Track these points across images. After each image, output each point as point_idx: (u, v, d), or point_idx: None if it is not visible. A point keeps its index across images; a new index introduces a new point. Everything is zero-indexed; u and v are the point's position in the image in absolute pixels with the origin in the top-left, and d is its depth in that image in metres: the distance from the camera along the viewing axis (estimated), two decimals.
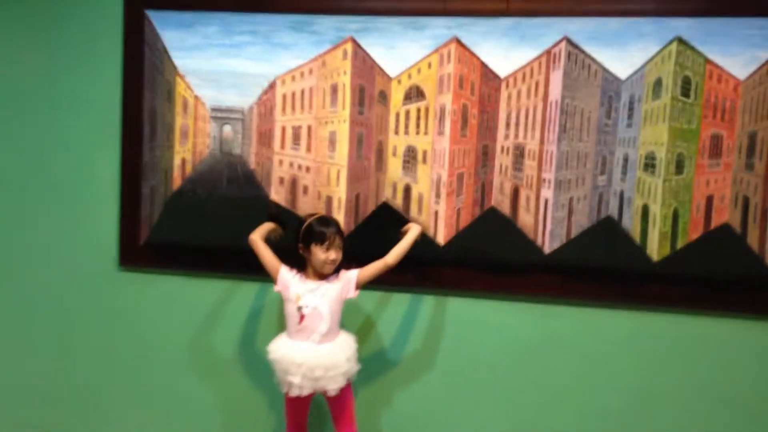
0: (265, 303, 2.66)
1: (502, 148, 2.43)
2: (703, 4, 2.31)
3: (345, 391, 2.35)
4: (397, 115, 2.48)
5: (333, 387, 2.26)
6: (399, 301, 2.59)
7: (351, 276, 2.33)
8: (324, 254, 2.28)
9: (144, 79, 2.62)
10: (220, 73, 2.52)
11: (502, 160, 2.44)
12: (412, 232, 2.39)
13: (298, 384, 2.24)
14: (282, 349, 2.30)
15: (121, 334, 2.79)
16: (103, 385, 2.80)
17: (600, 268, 2.42)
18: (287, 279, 2.33)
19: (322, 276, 2.32)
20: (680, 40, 2.31)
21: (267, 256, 2.36)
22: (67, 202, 2.76)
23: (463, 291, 2.55)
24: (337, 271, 2.33)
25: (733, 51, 2.26)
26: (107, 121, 2.69)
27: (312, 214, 2.37)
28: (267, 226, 2.42)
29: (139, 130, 2.65)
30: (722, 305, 2.40)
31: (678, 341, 2.47)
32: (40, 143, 2.75)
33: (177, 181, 2.58)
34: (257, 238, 2.37)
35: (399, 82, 2.46)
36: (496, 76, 2.41)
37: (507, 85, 2.40)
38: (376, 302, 2.59)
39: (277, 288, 2.35)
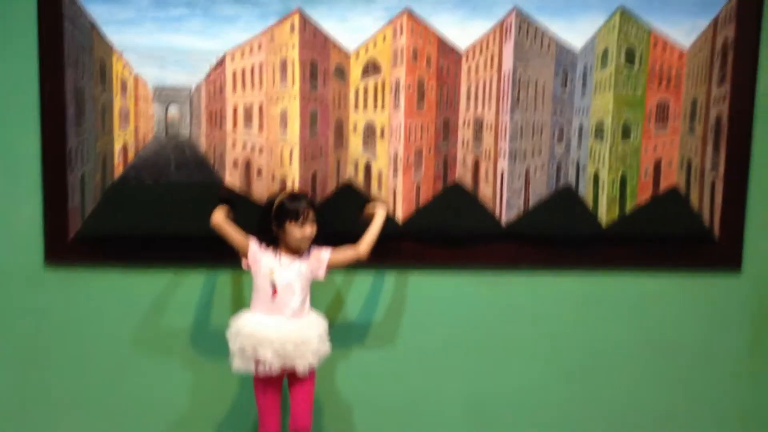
0: (214, 291, 2.53)
1: (464, 121, 2.44)
2: None
3: (308, 380, 2.32)
4: (357, 90, 2.42)
5: (302, 364, 2.22)
6: (359, 280, 2.56)
7: (323, 257, 2.29)
8: (299, 230, 2.23)
9: (64, 57, 2.37)
10: (161, 49, 2.33)
11: (464, 134, 2.45)
12: (379, 216, 2.37)
13: (269, 360, 2.19)
14: (252, 324, 2.23)
15: (50, 336, 2.55)
16: (36, 394, 2.57)
17: (554, 236, 2.51)
18: (258, 253, 2.26)
19: (295, 252, 2.27)
20: (623, 11, 2.40)
21: (234, 234, 2.27)
22: None
23: (421, 265, 2.55)
24: (309, 247, 2.29)
25: (675, 20, 2.39)
26: (24, 105, 2.41)
27: (280, 192, 2.32)
28: (223, 209, 2.31)
29: (62, 113, 2.40)
30: (664, 262, 2.57)
31: (626, 299, 2.62)
32: None
33: (119, 168, 2.38)
34: (221, 221, 2.27)
35: (357, 56, 2.39)
36: (454, 50, 2.40)
37: (467, 59, 2.41)
38: (337, 281, 2.55)
39: (246, 263, 2.28)
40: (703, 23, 2.40)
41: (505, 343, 2.63)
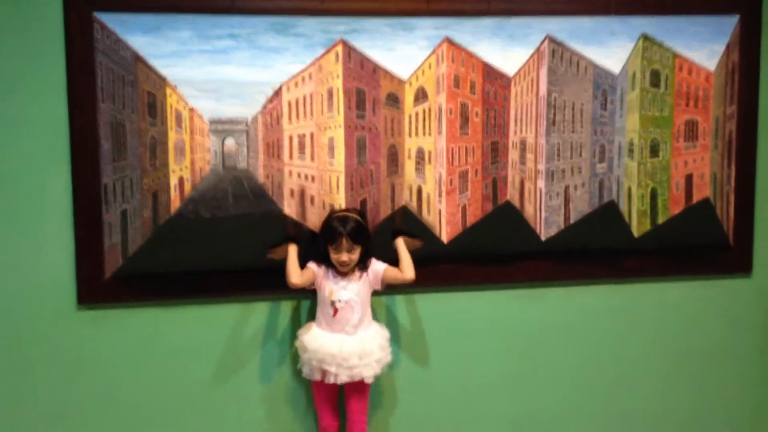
0: (276, 322, 2.52)
1: (513, 143, 2.53)
2: (654, 4, 2.58)
3: (365, 392, 2.42)
4: (410, 117, 2.47)
5: (368, 374, 2.33)
6: (405, 301, 2.59)
7: (378, 269, 2.39)
8: (335, 255, 2.31)
9: (97, 90, 2.30)
10: (216, 82, 2.30)
11: (512, 155, 2.54)
12: (400, 245, 2.45)
13: (334, 372, 2.29)
14: (317, 340, 2.32)
15: (84, 382, 2.44)
16: None
17: (591, 250, 2.63)
18: (319, 275, 2.35)
19: (350, 271, 2.34)
20: (645, 37, 2.57)
21: (306, 277, 2.34)
22: (12, 238, 2.35)
23: (461, 285, 2.61)
24: (364, 263, 2.36)
25: (693, 46, 2.59)
26: (54, 141, 2.32)
27: (339, 210, 2.40)
28: (293, 254, 2.35)
29: (95, 149, 2.32)
30: (687, 270, 2.74)
31: (651, 307, 2.76)
32: None
33: (175, 203, 2.31)
34: (297, 281, 2.32)
35: (410, 84, 2.45)
36: (502, 75, 2.50)
37: (515, 83, 2.50)
38: (382, 301, 2.57)
39: (311, 288, 2.37)
40: (720, 48, 2.61)
41: (544, 357, 2.72)
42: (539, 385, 2.73)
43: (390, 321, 2.58)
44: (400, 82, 2.45)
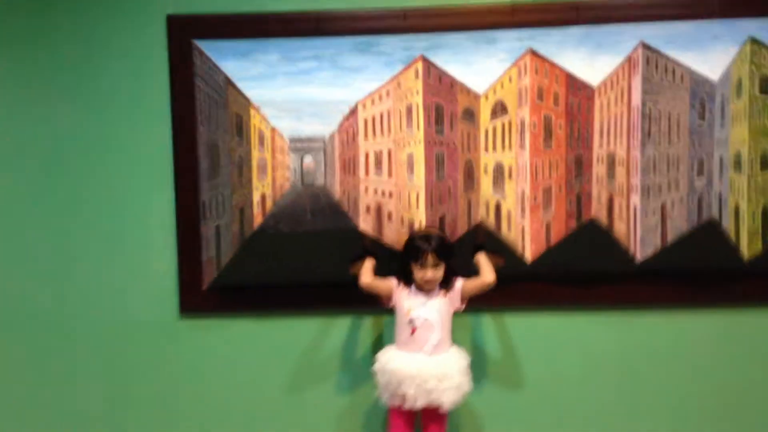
0: (358, 337, 2.54)
1: (598, 157, 2.41)
2: (763, 4, 2.36)
3: (443, 420, 2.32)
4: (486, 132, 2.43)
5: (446, 400, 2.24)
6: (489, 322, 2.53)
7: (457, 285, 2.32)
8: (419, 273, 2.27)
9: (197, 113, 2.47)
10: (296, 102, 2.40)
11: (598, 170, 2.42)
12: (482, 258, 2.38)
13: (413, 395, 2.22)
14: (394, 361, 2.27)
15: (186, 387, 2.60)
16: None
17: (693, 272, 2.44)
18: (398, 292, 2.32)
19: (431, 289, 2.29)
20: (753, 40, 2.35)
21: (381, 286, 2.34)
22: (120, 251, 2.56)
23: (551, 306, 2.51)
24: (447, 282, 2.30)
25: None
26: (158, 161, 2.52)
27: (420, 229, 2.38)
28: (369, 264, 2.37)
29: (195, 168, 2.49)
30: None
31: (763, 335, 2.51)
32: (88, 189, 2.54)
33: (258, 219, 2.44)
34: (368, 281, 2.33)
35: (486, 98, 2.41)
36: (586, 86, 2.39)
37: (599, 94, 2.39)
38: (468, 322, 2.52)
39: (390, 304, 2.34)
40: None
41: (641, 385, 2.54)
42: (633, 415, 2.55)
43: (473, 344, 2.53)
44: (476, 97, 2.42)
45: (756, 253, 2.41)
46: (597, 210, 2.43)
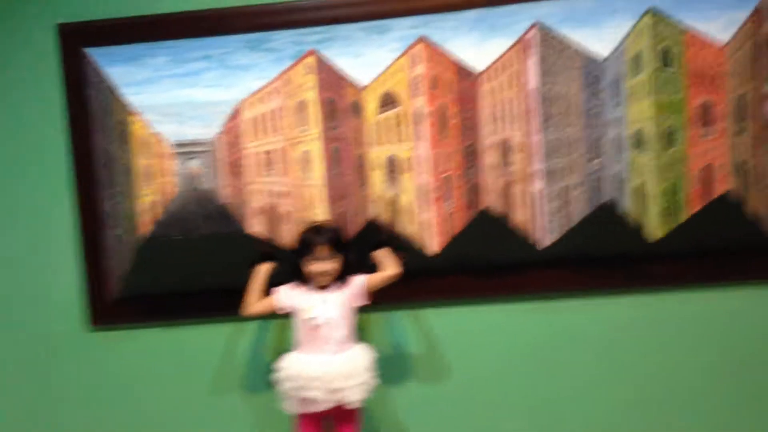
0: (268, 341, 2.48)
1: (489, 145, 2.32)
2: None
3: (355, 418, 2.27)
4: (374, 125, 2.34)
5: (354, 398, 2.19)
6: (400, 317, 2.46)
7: (359, 281, 2.25)
8: (313, 266, 2.21)
9: (91, 122, 2.42)
10: (178, 105, 2.34)
11: (490, 158, 2.33)
12: (382, 253, 2.30)
13: (319, 398, 2.16)
14: (296, 365, 2.21)
15: (100, 397, 2.56)
16: None
17: (600, 256, 2.34)
18: (291, 296, 2.25)
19: (329, 286, 2.23)
20: (654, 12, 2.24)
21: (264, 306, 2.28)
22: (25, 265, 2.52)
23: (463, 298, 2.43)
24: (343, 277, 2.24)
25: (710, 16, 2.21)
26: (56, 171, 2.47)
27: (314, 222, 2.32)
28: (260, 279, 2.30)
29: (93, 177, 2.44)
30: (725, 276, 2.35)
31: (686, 319, 2.41)
32: None
33: (147, 227, 2.39)
34: (251, 310, 2.29)
35: (371, 90, 2.33)
36: (471, 72, 2.30)
37: (485, 80, 2.30)
38: (381, 317, 2.46)
39: (282, 311, 2.26)
40: (741, 16, 2.21)
41: (560, 372, 2.46)
42: (555, 402, 2.47)
43: (390, 340, 2.46)
44: (362, 89, 2.33)
45: (665, 233, 2.30)
46: (491, 199, 2.34)
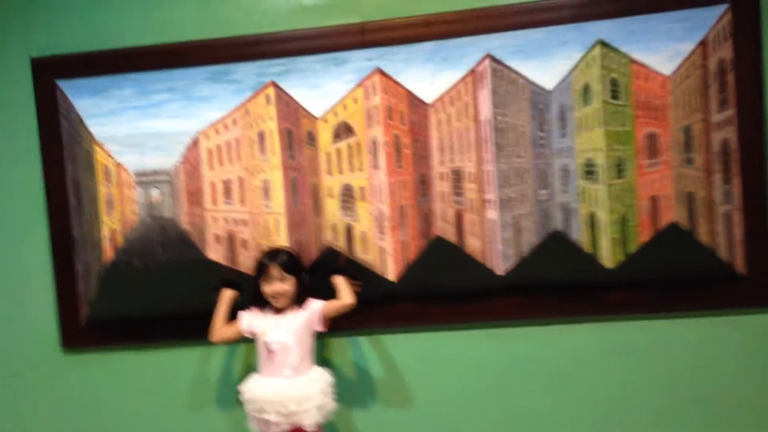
0: (231, 364, 2.52)
1: (440, 174, 2.36)
2: (621, 4, 2.28)
3: None
4: (328, 154, 2.40)
5: (309, 422, 2.22)
6: (360, 344, 2.48)
7: (316, 307, 2.30)
8: (266, 287, 2.27)
9: (63, 151, 2.50)
10: (140, 136, 2.41)
11: (441, 187, 2.36)
12: (339, 280, 2.34)
13: (274, 421, 2.21)
14: (254, 388, 2.27)
15: (72, 419, 2.61)
16: None
17: (556, 284, 2.35)
18: (251, 320, 2.31)
19: (285, 310, 2.28)
20: (603, 43, 2.27)
21: (229, 334, 2.34)
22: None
23: (423, 325, 2.45)
24: (300, 300, 2.29)
25: (655, 47, 2.24)
26: (31, 200, 2.55)
27: (271, 247, 2.38)
28: (223, 306, 2.35)
29: (65, 204, 2.51)
30: (684, 305, 2.35)
31: (646, 347, 2.40)
32: None
33: (108, 254, 2.45)
34: (218, 337, 2.35)
35: (325, 121, 2.38)
36: (423, 103, 2.35)
37: (435, 110, 2.34)
38: (338, 345, 2.49)
39: (246, 334, 2.32)
40: (687, 47, 2.23)
41: (520, 399, 2.46)
42: (519, 427, 2.48)
43: (354, 365, 2.49)
44: (316, 120, 2.39)
45: (619, 261, 2.32)
46: (443, 228, 2.37)
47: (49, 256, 2.55)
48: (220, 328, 2.34)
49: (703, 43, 2.23)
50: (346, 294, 2.30)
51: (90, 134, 2.45)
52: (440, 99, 2.34)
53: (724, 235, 2.28)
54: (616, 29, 2.26)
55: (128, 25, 2.50)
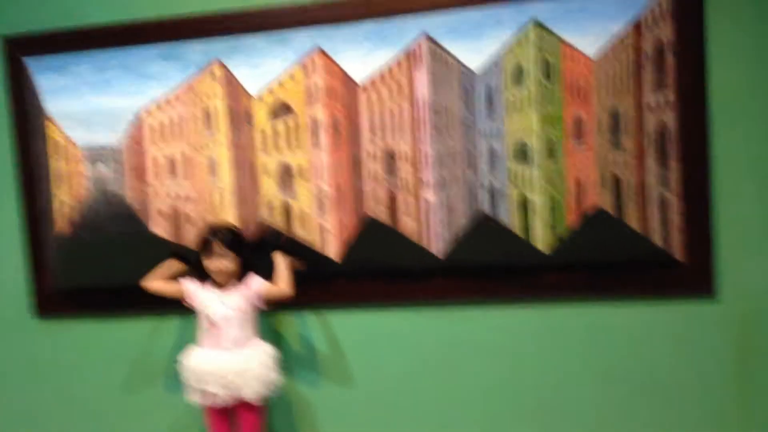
0: (185, 337, 2.59)
1: (369, 154, 2.38)
2: None
3: (254, 412, 2.36)
4: (263, 132, 2.44)
5: (249, 393, 2.29)
6: (301, 322, 2.55)
7: (256, 286, 2.36)
8: (208, 263, 2.34)
9: (29, 125, 2.62)
10: (89, 112, 2.50)
11: (372, 167, 2.39)
12: (279, 261, 2.38)
13: (214, 392, 2.29)
14: (195, 359, 2.34)
15: (42, 383, 2.77)
16: None
17: (493, 266, 2.37)
18: (193, 290, 2.38)
19: (227, 284, 2.35)
20: (536, 23, 2.24)
21: (167, 288, 2.41)
22: None
23: (364, 303, 2.50)
24: (242, 276, 2.36)
25: (587, 27, 2.20)
26: (3, 169, 2.67)
27: (215, 223, 2.44)
28: (165, 268, 2.43)
29: (31, 176, 2.63)
30: (619, 290, 2.34)
31: (584, 330, 2.41)
32: None
33: (59, 225, 2.57)
34: (149, 283, 2.41)
35: (260, 99, 2.43)
36: (354, 83, 2.37)
37: (365, 90, 2.36)
38: (287, 320, 2.56)
39: (188, 302, 2.39)
40: (616, 27, 2.18)
41: (460, 380, 2.50)
42: (454, 410, 2.52)
43: (301, 340, 2.56)
44: (252, 98, 2.43)
45: (551, 245, 2.31)
46: (374, 208, 2.40)
47: (19, 226, 2.69)
48: (157, 280, 2.40)
49: (636, 24, 2.18)
50: (283, 281, 2.34)
51: (43, 110, 2.55)
52: (371, 79, 2.35)
53: (658, 221, 2.24)
54: (553, 8, 2.23)
55: (92, 3, 2.58)
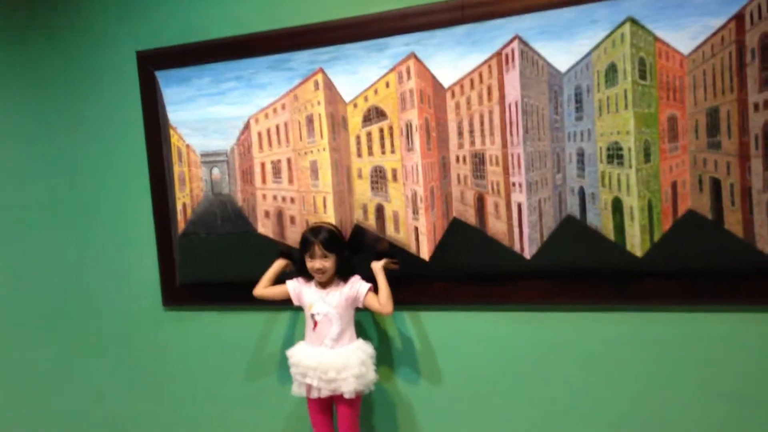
0: (300, 330, 2.75)
1: (457, 157, 2.40)
2: None
3: (352, 406, 2.46)
4: (358, 137, 2.54)
5: (347, 389, 2.39)
6: (392, 320, 2.63)
7: (361, 289, 2.47)
8: (309, 263, 2.45)
9: (160, 134, 2.89)
10: (205, 120, 2.73)
11: (459, 170, 2.41)
12: (379, 274, 2.46)
13: (316, 386, 2.42)
14: (298, 354, 2.49)
15: (170, 369, 3.04)
16: (159, 414, 3.10)
17: (583, 270, 2.32)
18: (298, 290, 2.53)
19: (329, 283, 2.47)
20: (632, 21, 2.16)
21: (274, 292, 2.58)
22: (112, 254, 3.06)
23: (453, 304, 2.55)
24: (343, 275, 2.47)
25: (684, 24, 2.09)
26: (138, 175, 2.96)
27: (315, 223, 2.57)
28: (273, 270, 2.60)
29: (163, 180, 2.89)
30: (714, 298, 2.22)
31: (682, 339, 2.31)
32: (89, 205, 3.07)
33: (181, 225, 2.82)
34: (260, 292, 2.59)
35: (355, 105, 2.53)
36: (442, 86, 2.40)
37: (453, 94, 2.39)
38: (379, 319, 2.65)
39: (294, 301, 2.55)
40: (715, 22, 2.05)
41: (544, 384, 2.49)
42: (538, 414, 2.51)
43: (398, 338, 2.64)
44: (348, 104, 2.53)
45: (646, 250, 2.22)
46: (461, 210, 2.42)
47: (153, 225, 2.98)
48: (264, 287, 2.58)
49: (738, 17, 2.04)
50: (386, 302, 2.41)
51: (168, 119, 2.81)
52: (460, 83, 2.37)
53: (766, 226, 2.09)
54: (649, 5, 2.14)
55: (211, 19, 2.81)
